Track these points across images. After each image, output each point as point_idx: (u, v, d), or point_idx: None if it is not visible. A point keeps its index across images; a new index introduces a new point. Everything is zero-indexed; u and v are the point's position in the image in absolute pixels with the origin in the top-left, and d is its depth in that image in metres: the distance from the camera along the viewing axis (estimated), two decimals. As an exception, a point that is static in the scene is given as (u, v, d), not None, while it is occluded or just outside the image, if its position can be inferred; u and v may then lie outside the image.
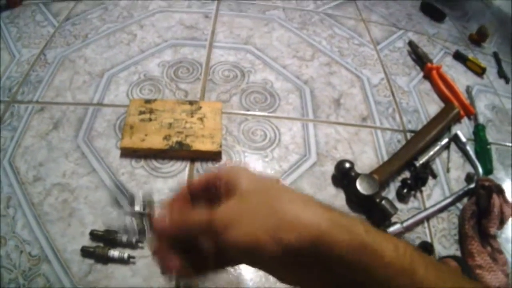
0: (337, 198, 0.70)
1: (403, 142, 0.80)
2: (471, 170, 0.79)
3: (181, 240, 0.35)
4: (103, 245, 0.59)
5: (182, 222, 0.35)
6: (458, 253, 0.66)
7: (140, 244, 0.60)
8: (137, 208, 0.45)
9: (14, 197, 0.64)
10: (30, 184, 0.66)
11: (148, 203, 0.45)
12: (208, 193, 0.38)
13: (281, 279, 0.35)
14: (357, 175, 0.69)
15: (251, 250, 0.31)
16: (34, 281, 0.56)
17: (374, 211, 0.67)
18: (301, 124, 0.81)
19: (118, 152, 0.71)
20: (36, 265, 0.57)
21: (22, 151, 0.70)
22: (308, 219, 0.31)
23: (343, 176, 0.71)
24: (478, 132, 0.85)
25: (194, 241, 0.35)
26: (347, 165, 0.70)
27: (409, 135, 0.82)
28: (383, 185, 0.71)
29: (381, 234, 0.31)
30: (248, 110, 0.81)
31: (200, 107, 0.76)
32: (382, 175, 0.70)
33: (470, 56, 1.05)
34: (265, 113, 0.81)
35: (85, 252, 0.58)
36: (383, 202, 0.66)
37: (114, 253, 0.57)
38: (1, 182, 0.66)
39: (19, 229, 0.61)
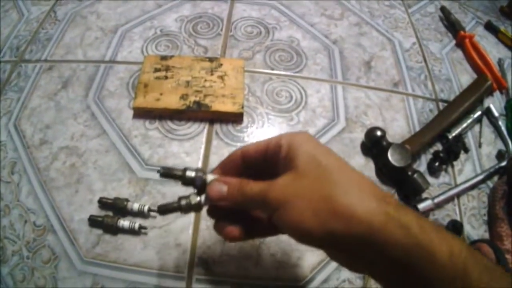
0: (366, 168, 0.61)
1: (435, 112, 0.70)
2: (503, 147, 0.70)
3: (235, 209, 0.36)
4: (112, 214, 0.51)
5: (239, 194, 0.34)
6: (486, 235, 0.59)
7: (152, 214, 0.52)
8: (191, 175, 0.37)
9: (19, 162, 0.57)
10: (36, 148, 0.58)
11: (200, 171, 0.38)
12: (263, 160, 0.36)
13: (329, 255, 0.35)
14: (389, 144, 0.59)
15: (299, 232, 0.31)
16: (39, 253, 0.49)
17: (405, 185, 0.59)
18: (330, 86, 0.70)
19: (131, 112, 0.62)
20: (41, 235, 0.50)
21: (29, 113, 0.62)
22: (361, 213, 0.28)
23: (374, 145, 0.61)
24: (510, 107, 0.75)
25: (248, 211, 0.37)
26: (379, 133, 0.60)
27: (441, 105, 0.72)
28: (415, 157, 0.62)
29: (435, 232, 0.29)
30: (273, 69, 0.71)
31: (221, 64, 0.66)
32: (414, 146, 0.61)
33: (502, 28, 0.93)
34: (291, 73, 0.71)
35: (93, 222, 0.50)
36: (415, 175, 0.58)
37: (124, 223, 0.50)
38: (6, 146, 0.58)
39: (24, 197, 0.53)
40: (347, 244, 0.29)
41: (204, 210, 0.39)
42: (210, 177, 0.37)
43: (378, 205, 0.29)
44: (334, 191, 0.30)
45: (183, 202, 0.37)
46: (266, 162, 0.36)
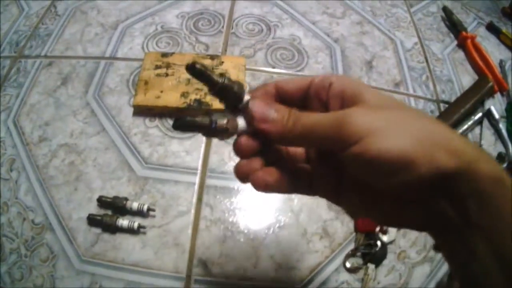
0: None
1: (436, 113, 0.69)
2: (503, 149, 0.69)
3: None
4: (111, 213, 0.50)
5: (294, 124, 0.26)
6: None
7: (151, 213, 0.51)
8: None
9: (18, 159, 0.56)
10: (35, 145, 0.57)
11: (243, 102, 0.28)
12: (303, 98, 0.29)
13: (385, 215, 0.29)
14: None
15: (398, 166, 0.24)
16: (37, 251, 0.48)
17: None
18: (331, 86, 0.68)
19: (131, 110, 0.61)
20: (39, 234, 0.49)
21: (28, 109, 0.61)
22: (461, 144, 0.24)
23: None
24: (511, 109, 0.74)
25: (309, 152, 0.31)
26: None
27: (442, 106, 0.71)
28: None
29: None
30: (274, 67, 0.70)
31: (222, 62, 0.65)
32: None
33: (504, 29, 0.92)
34: (292, 71, 0.70)
35: (92, 220, 0.50)
36: None
37: (123, 222, 0.49)
38: (5, 143, 0.57)
39: (22, 194, 0.52)
40: (449, 178, 0.24)
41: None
42: (246, 97, 0.28)
43: (464, 141, 0.25)
44: (427, 122, 0.26)
45: (219, 121, 0.27)
46: (306, 101, 0.30)
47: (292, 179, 0.30)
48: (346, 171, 0.29)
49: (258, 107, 0.27)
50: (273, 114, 0.27)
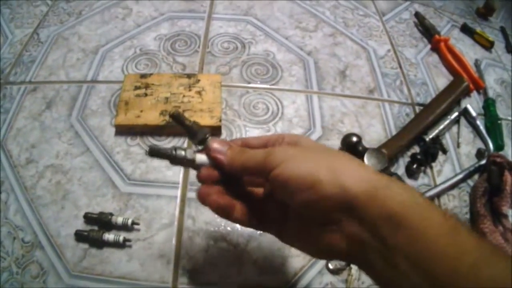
0: (344, 174, 0.64)
1: (412, 115, 0.74)
2: (482, 145, 0.73)
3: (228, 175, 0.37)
4: (97, 229, 0.54)
5: (239, 155, 0.36)
6: None
7: (136, 227, 0.55)
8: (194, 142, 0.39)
9: (6, 181, 0.60)
10: (23, 167, 0.61)
11: (205, 139, 0.39)
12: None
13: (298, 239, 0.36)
14: (365, 149, 0.63)
15: (307, 182, 0.31)
16: (28, 268, 0.51)
17: None
18: (305, 97, 0.74)
19: (113, 130, 0.65)
20: (29, 252, 0.53)
21: (14, 133, 0.65)
22: (368, 174, 0.31)
23: (350, 151, 0.64)
24: (488, 106, 0.79)
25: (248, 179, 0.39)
26: (354, 139, 0.64)
27: (417, 109, 0.75)
28: (392, 160, 0.66)
29: (427, 200, 0.31)
30: (249, 83, 0.75)
31: (198, 80, 0.70)
32: (391, 150, 0.64)
33: (478, 29, 0.98)
34: (267, 86, 0.75)
35: (79, 236, 0.53)
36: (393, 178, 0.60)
37: (109, 236, 0.52)
38: None
39: (12, 214, 0.56)
40: (354, 198, 0.30)
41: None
42: (209, 138, 0.39)
43: (381, 174, 0.32)
44: (340, 159, 0.33)
45: (178, 152, 0.37)
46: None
47: (246, 211, 0.38)
48: (288, 210, 0.37)
49: (214, 143, 0.38)
50: (224, 150, 0.37)
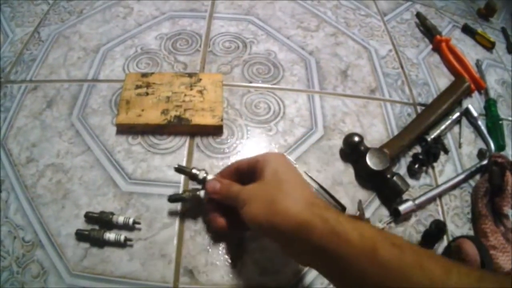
0: (346, 173, 0.64)
1: (413, 116, 0.74)
2: (483, 146, 0.74)
3: (223, 203, 0.51)
4: (98, 228, 0.54)
5: (226, 191, 0.50)
6: (471, 233, 0.62)
7: (137, 226, 0.55)
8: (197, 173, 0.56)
9: (6, 180, 0.59)
10: (23, 166, 0.61)
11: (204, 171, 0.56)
12: (249, 171, 0.50)
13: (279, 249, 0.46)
14: (367, 149, 0.63)
15: (253, 224, 0.45)
16: (28, 268, 0.51)
17: (384, 188, 0.62)
18: (307, 96, 0.74)
19: (114, 129, 0.65)
20: (29, 251, 0.53)
21: (15, 132, 0.65)
22: (293, 212, 0.41)
23: (352, 151, 0.65)
24: (490, 106, 0.79)
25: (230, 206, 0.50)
26: (356, 138, 0.64)
27: (419, 109, 0.76)
28: (394, 160, 0.66)
29: (350, 223, 0.39)
30: (251, 82, 0.75)
31: (200, 79, 0.70)
32: (392, 150, 0.65)
33: (479, 30, 0.98)
34: (269, 85, 0.75)
35: (80, 236, 0.53)
36: (395, 178, 0.61)
37: (110, 235, 0.52)
38: None
39: (12, 213, 0.56)
40: (284, 235, 0.41)
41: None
42: (209, 177, 0.55)
43: (306, 207, 0.41)
44: (279, 196, 0.43)
45: (189, 194, 0.55)
46: (250, 172, 0.50)
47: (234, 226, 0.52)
48: None
49: (209, 184, 0.52)
50: (217, 187, 0.51)
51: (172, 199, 0.55)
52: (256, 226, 0.44)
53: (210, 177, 0.54)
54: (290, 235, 0.40)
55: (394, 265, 0.35)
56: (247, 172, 0.50)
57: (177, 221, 0.56)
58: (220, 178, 0.53)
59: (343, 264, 0.37)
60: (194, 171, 0.55)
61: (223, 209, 0.52)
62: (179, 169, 0.56)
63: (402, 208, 0.59)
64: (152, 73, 0.70)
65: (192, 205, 0.58)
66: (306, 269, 0.54)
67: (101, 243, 0.53)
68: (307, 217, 0.40)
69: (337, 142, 0.67)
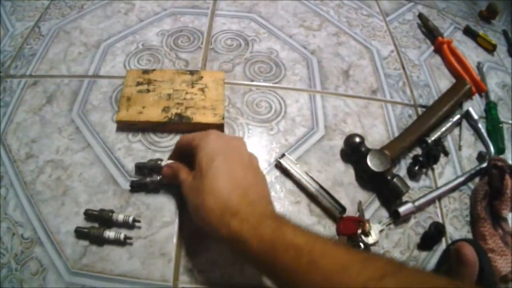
0: (346, 174, 0.64)
1: (414, 117, 0.74)
2: (483, 148, 0.74)
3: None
4: (98, 226, 0.53)
5: (172, 179, 0.54)
6: (470, 235, 0.62)
7: (137, 224, 0.54)
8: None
9: (5, 176, 0.59)
10: (22, 162, 0.60)
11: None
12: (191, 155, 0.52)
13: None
14: (368, 150, 0.63)
15: (192, 219, 0.49)
16: (27, 265, 0.51)
17: (384, 189, 0.62)
18: (308, 96, 0.74)
19: (114, 125, 0.65)
20: (28, 248, 0.52)
21: (14, 127, 0.64)
22: (208, 220, 0.45)
23: (353, 151, 0.65)
24: (490, 109, 0.79)
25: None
26: (357, 139, 0.64)
27: (420, 110, 0.76)
28: (394, 161, 0.66)
29: (252, 229, 0.42)
30: (252, 81, 0.75)
31: (201, 77, 0.69)
32: (393, 151, 0.65)
33: (481, 32, 0.98)
34: (270, 84, 0.75)
35: (79, 233, 0.53)
36: (395, 179, 0.61)
37: (110, 233, 0.52)
38: None
39: (11, 210, 0.56)
40: (207, 225, 0.45)
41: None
42: (163, 163, 0.58)
43: (219, 214, 0.44)
44: (201, 198, 0.46)
45: (148, 179, 0.58)
46: (191, 156, 0.52)
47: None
48: None
49: (163, 170, 0.56)
50: (168, 172, 0.55)
51: (133, 186, 0.58)
52: (194, 222, 0.49)
53: (164, 163, 0.58)
54: (213, 226, 0.44)
55: (291, 268, 0.39)
56: (189, 155, 0.52)
57: (177, 220, 0.56)
58: (171, 163, 0.56)
59: (257, 269, 0.45)
60: (151, 162, 0.59)
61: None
62: (138, 167, 0.60)
63: (402, 210, 0.60)
64: (153, 70, 0.70)
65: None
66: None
67: (101, 241, 0.53)
68: (217, 225, 0.44)
69: (338, 143, 0.67)
